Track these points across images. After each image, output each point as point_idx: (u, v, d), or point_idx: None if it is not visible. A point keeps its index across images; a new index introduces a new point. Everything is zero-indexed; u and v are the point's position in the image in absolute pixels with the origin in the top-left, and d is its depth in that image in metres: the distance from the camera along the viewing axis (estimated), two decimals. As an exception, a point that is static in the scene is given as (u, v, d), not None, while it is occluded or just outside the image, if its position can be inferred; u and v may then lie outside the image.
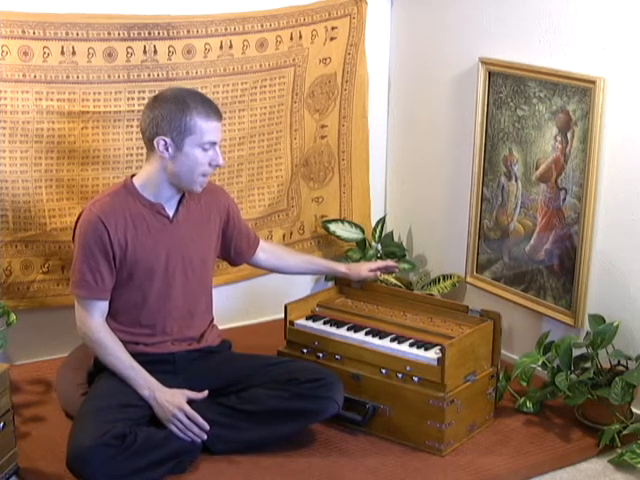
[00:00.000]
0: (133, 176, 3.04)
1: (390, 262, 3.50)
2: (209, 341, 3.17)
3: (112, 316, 3.03)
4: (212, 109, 2.94)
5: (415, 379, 3.06)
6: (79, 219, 3.00)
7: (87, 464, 2.72)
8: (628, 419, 3.15)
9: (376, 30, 4.00)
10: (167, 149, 2.90)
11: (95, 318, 2.98)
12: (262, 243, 3.38)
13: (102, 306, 2.99)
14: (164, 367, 3.06)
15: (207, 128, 2.90)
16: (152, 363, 3.04)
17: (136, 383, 2.95)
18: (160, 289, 3.04)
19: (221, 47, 3.54)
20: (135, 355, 3.03)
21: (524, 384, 3.32)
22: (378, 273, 3.42)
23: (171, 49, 3.45)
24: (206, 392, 3.00)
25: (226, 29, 3.54)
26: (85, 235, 2.95)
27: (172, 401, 2.92)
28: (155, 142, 2.90)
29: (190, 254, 3.07)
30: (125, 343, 3.03)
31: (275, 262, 3.41)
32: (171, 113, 2.88)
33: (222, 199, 3.19)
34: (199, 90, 3.44)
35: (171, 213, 3.04)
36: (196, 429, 2.92)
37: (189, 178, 2.95)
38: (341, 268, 3.43)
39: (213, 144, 2.93)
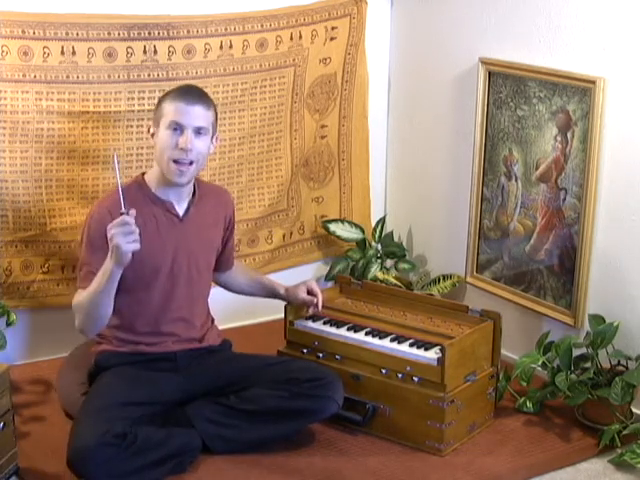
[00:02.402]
0: (145, 174, 3.07)
1: (315, 290, 3.32)
2: (210, 341, 3.18)
3: (118, 315, 3.01)
4: (186, 94, 2.95)
5: (415, 379, 3.06)
6: (88, 215, 3.00)
7: (88, 464, 2.72)
8: (628, 419, 3.15)
9: (376, 30, 4.00)
10: (152, 136, 3.00)
11: None
12: None
13: None
14: (165, 365, 3.06)
15: (171, 108, 2.92)
16: (153, 361, 3.05)
17: (106, 273, 2.79)
18: (164, 288, 3.04)
19: (221, 47, 3.54)
20: (136, 354, 3.04)
21: (524, 384, 3.31)
22: (315, 300, 3.28)
23: (171, 49, 3.45)
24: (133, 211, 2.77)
25: (226, 29, 3.54)
26: (94, 229, 2.94)
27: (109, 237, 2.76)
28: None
29: (196, 255, 3.08)
30: (126, 343, 3.05)
31: (226, 279, 3.37)
32: (157, 104, 3.02)
33: (229, 205, 3.23)
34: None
35: (181, 212, 3.05)
36: (125, 221, 2.72)
37: (162, 164, 2.95)
38: (280, 290, 3.34)
39: (179, 125, 2.90)
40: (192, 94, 2.97)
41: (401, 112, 4.13)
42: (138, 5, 3.40)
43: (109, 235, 2.73)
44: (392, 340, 3.18)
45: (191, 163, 2.94)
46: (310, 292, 3.31)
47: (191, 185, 3.07)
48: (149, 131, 3.03)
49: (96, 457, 2.72)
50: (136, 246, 2.74)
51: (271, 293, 3.37)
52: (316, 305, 3.30)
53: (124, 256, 2.74)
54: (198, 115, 2.93)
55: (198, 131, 2.93)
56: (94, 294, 2.86)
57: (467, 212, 3.78)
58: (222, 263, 3.28)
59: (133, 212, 2.74)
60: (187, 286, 3.08)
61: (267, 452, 3.02)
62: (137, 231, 2.73)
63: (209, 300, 3.24)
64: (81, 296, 2.92)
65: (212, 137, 3.02)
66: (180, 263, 3.05)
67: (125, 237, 2.71)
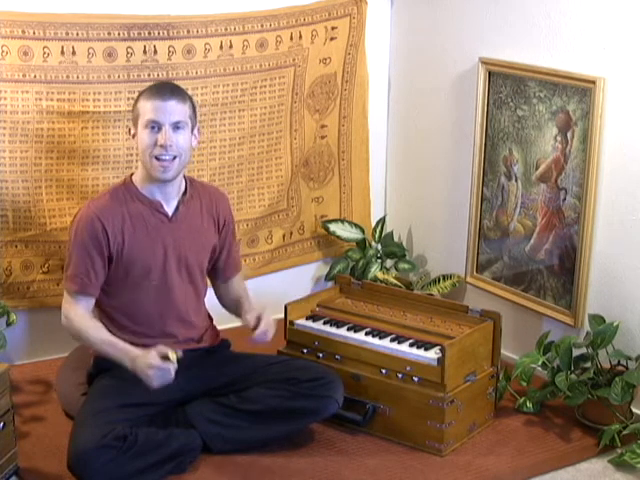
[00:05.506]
0: (133, 175, 3.06)
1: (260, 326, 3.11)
2: (208, 341, 3.17)
3: (110, 317, 3.03)
4: (159, 90, 2.94)
5: (415, 379, 3.06)
6: (76, 215, 3.02)
7: (88, 466, 2.73)
8: (628, 419, 3.15)
9: (376, 30, 4.00)
10: (133, 137, 2.99)
11: (80, 309, 2.98)
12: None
13: (89, 301, 3.00)
14: (164, 367, 3.06)
15: (147, 107, 2.91)
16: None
17: (116, 357, 2.92)
18: (156, 289, 3.03)
19: (221, 47, 3.54)
20: None
21: (524, 384, 3.32)
22: (257, 328, 3.08)
23: (171, 49, 3.45)
24: (180, 353, 2.87)
25: (226, 29, 3.54)
26: (82, 232, 2.96)
27: (145, 362, 2.84)
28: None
29: (187, 255, 3.07)
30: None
31: (220, 292, 3.29)
32: (133, 104, 3.02)
33: (223, 205, 3.18)
34: (197, 89, 3.46)
35: (170, 212, 3.04)
36: (169, 370, 2.83)
37: (146, 162, 2.95)
38: (245, 307, 3.15)
39: (156, 123, 2.90)
40: (165, 90, 2.95)
41: (401, 112, 4.13)
42: (138, 5, 3.40)
43: (148, 370, 2.81)
44: (392, 340, 3.18)
45: (174, 158, 2.93)
46: (258, 321, 3.07)
47: (180, 183, 3.05)
48: (130, 132, 3.03)
49: (96, 460, 2.72)
50: (167, 381, 2.84)
51: (239, 312, 3.20)
52: (264, 333, 3.04)
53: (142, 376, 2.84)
54: (173, 110, 2.91)
55: (176, 126, 2.91)
56: (96, 346, 2.98)
57: (467, 212, 3.78)
58: (219, 265, 3.21)
59: (180, 354, 2.84)
60: (180, 286, 3.07)
61: (267, 452, 3.02)
62: (173, 371, 2.83)
63: (209, 300, 3.24)
64: (85, 333, 2.97)
65: (192, 130, 3.00)
66: (171, 263, 3.04)
67: (161, 379, 2.82)
